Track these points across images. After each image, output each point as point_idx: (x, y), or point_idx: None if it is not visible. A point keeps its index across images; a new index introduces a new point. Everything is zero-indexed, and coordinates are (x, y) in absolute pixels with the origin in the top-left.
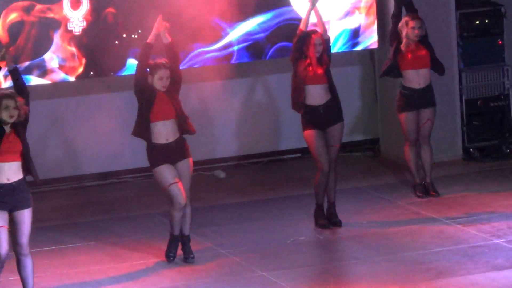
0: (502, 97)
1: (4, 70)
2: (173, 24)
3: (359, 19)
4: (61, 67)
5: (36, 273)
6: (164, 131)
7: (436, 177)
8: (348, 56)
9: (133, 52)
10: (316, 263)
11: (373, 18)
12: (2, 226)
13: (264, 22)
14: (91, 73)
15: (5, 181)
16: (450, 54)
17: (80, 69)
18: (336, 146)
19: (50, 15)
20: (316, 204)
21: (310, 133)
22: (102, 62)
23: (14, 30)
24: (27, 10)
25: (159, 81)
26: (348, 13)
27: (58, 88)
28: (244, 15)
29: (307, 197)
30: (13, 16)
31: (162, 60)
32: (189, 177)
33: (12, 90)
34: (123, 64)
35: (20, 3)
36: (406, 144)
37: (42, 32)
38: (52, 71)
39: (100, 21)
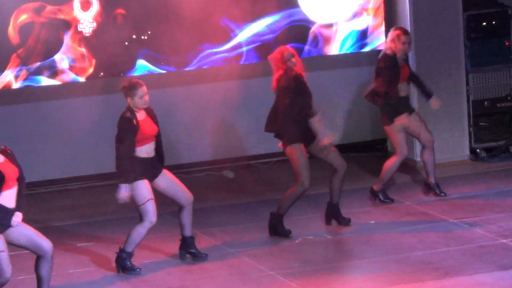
0: (509, 98)
1: None
2: (182, 25)
3: (367, 21)
4: (71, 68)
5: None
6: (149, 149)
7: (443, 177)
8: (356, 57)
9: (143, 53)
10: (324, 262)
11: (381, 19)
12: (2, 251)
13: (273, 23)
14: (101, 74)
15: None
16: (458, 55)
17: (90, 70)
18: (334, 149)
19: (60, 16)
20: (280, 214)
21: (298, 147)
22: (112, 63)
23: (25, 31)
24: (38, 11)
25: (140, 100)
26: (356, 15)
27: (65, 89)
28: (253, 16)
29: (315, 197)
30: (23, 17)
31: (135, 78)
32: (176, 180)
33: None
34: (132, 65)
35: (31, 4)
36: (397, 156)
37: (52, 33)
38: (62, 71)
39: (110, 22)
